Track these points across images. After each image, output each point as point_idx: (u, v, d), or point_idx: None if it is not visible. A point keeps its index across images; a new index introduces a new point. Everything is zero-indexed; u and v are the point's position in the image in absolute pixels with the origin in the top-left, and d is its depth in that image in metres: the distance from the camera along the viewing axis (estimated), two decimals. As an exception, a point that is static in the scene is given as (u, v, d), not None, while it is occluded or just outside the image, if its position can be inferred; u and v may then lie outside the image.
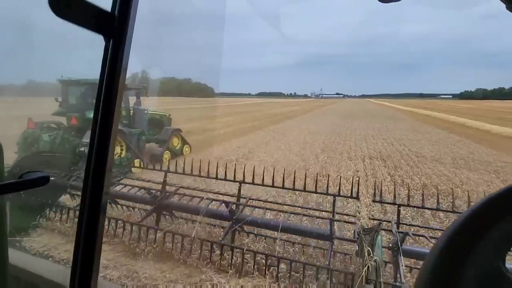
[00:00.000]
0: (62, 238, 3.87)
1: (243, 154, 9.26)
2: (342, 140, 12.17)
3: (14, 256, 1.18)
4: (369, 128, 16.87)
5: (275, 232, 3.24)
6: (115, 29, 0.68)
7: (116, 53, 0.71)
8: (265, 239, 3.51)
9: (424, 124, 20.19)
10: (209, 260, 3.23)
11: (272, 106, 47.08)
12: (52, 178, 4.18)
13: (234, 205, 3.48)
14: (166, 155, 8.66)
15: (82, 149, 6.07)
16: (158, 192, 3.88)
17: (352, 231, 3.08)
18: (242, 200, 3.65)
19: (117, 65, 0.72)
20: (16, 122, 7.32)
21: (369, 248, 2.13)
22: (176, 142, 9.43)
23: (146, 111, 9.36)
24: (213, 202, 3.62)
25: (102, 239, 0.88)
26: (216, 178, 3.93)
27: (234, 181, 3.71)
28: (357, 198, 3.18)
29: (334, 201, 3.27)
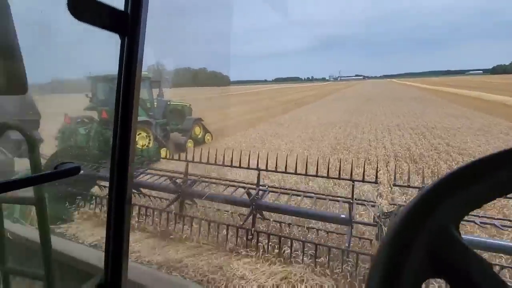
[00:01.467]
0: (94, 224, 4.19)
1: (227, 161, 7.42)
2: (360, 133, 9.96)
3: (55, 241, 1.30)
4: (392, 115, 14.40)
5: (293, 217, 3.31)
6: (128, 27, 0.71)
7: (131, 50, 0.75)
8: (288, 226, 3.54)
9: (458, 105, 17.10)
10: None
11: (286, 92, 44.55)
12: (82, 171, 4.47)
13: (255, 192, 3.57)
14: (190, 143, 8.97)
15: None
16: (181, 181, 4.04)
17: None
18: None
19: (133, 62, 0.76)
20: (51, 118, 7.69)
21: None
22: (198, 131, 9.76)
23: (168, 102, 9.64)
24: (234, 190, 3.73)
25: (130, 225, 0.95)
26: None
27: (255, 168, 3.80)
28: (376, 182, 3.19)
29: (353, 186, 3.28)
